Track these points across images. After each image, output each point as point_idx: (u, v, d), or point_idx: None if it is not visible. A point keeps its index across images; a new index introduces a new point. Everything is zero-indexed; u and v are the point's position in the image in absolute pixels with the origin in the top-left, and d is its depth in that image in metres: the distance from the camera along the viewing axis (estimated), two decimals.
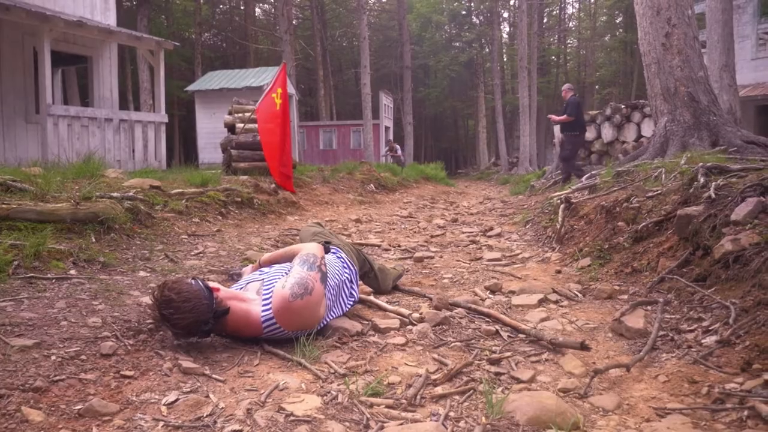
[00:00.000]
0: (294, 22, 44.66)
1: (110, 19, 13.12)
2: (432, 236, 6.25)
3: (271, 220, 6.40)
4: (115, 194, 4.33)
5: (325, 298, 2.47)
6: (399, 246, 5.40)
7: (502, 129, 30.53)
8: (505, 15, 44.05)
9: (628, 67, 37.32)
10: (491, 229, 6.50)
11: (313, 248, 2.58)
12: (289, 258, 2.67)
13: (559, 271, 4.04)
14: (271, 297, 2.30)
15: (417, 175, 17.97)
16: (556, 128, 13.53)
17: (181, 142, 33.64)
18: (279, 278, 2.41)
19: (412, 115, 32.80)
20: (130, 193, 4.66)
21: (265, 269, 2.65)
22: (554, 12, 45.55)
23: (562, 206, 5.30)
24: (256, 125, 9.35)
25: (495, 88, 31.22)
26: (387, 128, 28.86)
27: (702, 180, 3.71)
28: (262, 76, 18.93)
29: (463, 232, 6.53)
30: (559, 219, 5.10)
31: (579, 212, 5.06)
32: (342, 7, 42.18)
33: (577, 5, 47.18)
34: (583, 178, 7.34)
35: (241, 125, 10.16)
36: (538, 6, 33.44)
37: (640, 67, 28.51)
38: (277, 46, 24.76)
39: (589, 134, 14.81)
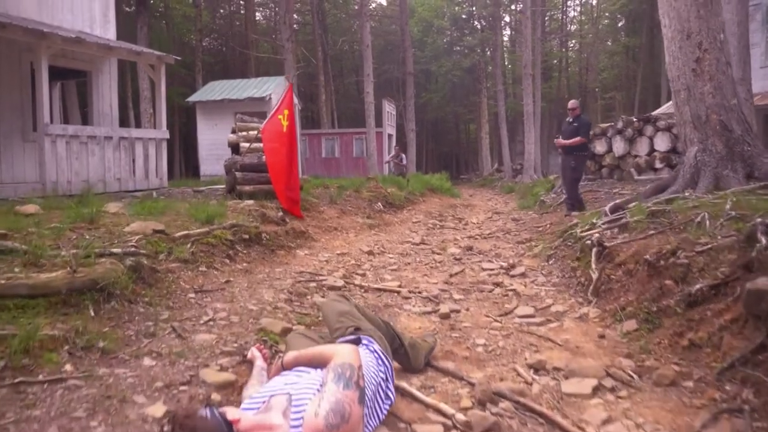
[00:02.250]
0: (295, 27, 44.36)
1: (110, 33, 12.76)
2: (451, 275, 5.88)
3: (280, 258, 6.03)
4: (116, 250, 3.96)
5: (363, 418, 2.11)
6: (419, 292, 5.03)
7: (505, 135, 30.18)
8: (507, 19, 43.77)
9: (631, 71, 37.00)
10: (513, 267, 6.13)
11: (348, 355, 2.21)
12: (318, 363, 2.30)
13: (602, 336, 3.67)
14: (301, 425, 1.94)
15: (422, 186, 17.61)
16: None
17: (182, 149, 33.29)
18: (310, 398, 2.04)
19: (414, 121, 32.45)
20: (132, 244, 4.30)
21: (291, 377, 2.28)
22: (556, 16, 45.25)
23: (594, 250, 4.93)
24: (261, 145, 9.01)
25: (498, 93, 30.87)
26: (390, 136, 28.51)
27: (765, 241, 3.35)
28: (264, 87, 18.56)
29: (484, 269, 6.16)
30: (593, 266, 4.73)
31: (614, 258, 4.69)
32: (343, 12, 41.86)
33: (578, 9, 46.90)
34: (607, 207, 6.98)
35: (246, 145, 9.81)
36: (541, 11, 33.11)
37: (644, 71, 28.16)
38: (278, 54, 24.37)
39: (600, 147, 14.46)
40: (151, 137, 12.06)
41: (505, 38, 44.52)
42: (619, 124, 13.96)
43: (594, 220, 6.64)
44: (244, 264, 5.32)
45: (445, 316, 4.24)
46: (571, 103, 10.07)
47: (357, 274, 5.78)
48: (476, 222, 12.59)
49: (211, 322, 3.50)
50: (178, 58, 12.92)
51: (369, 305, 4.53)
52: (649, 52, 35.29)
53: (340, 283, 5.10)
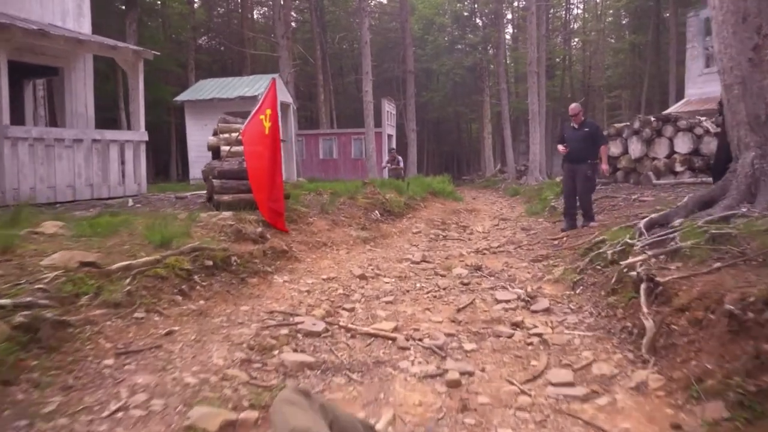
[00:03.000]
0: (293, 25, 43.26)
1: (85, 27, 11.69)
2: (459, 309, 4.79)
3: (251, 289, 4.94)
4: (5, 301, 2.89)
5: None
6: (419, 339, 3.94)
7: (509, 135, 29.08)
8: (510, 16, 42.63)
9: (638, 69, 35.86)
10: (533, 298, 5.04)
11: None
12: None
13: (677, 427, 2.59)
14: None
15: (423, 191, 16.52)
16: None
17: (179, 151, 32.22)
18: None
19: (415, 121, 31.35)
20: (42, 286, 3.22)
21: None
22: (559, 13, 44.11)
23: (643, 286, 3.84)
24: (243, 148, 7.94)
25: (501, 92, 29.75)
26: (390, 136, 27.42)
27: None
28: (257, 85, 17.47)
29: (498, 300, 5.07)
30: (645, 309, 3.64)
31: (673, 299, 3.60)
32: (342, 9, 40.76)
33: (582, 6, 45.75)
34: (641, 224, 5.88)
35: (227, 148, 8.73)
36: (545, 7, 31.97)
37: (651, 69, 26.97)
38: (275, 52, 23.30)
39: (615, 149, 13.37)
40: (127, 139, 10.99)
41: (508, 37, 43.41)
42: (636, 124, 12.87)
43: (628, 239, 5.55)
44: (201, 302, 4.24)
45: (455, 384, 3.15)
46: (573, 108, 8.72)
47: (344, 308, 4.69)
48: (482, 231, 11.51)
49: (119, 414, 2.42)
50: (157, 53, 11.85)
51: (355, 362, 3.45)
52: (655, 50, 34.14)
53: (321, 327, 4.01)
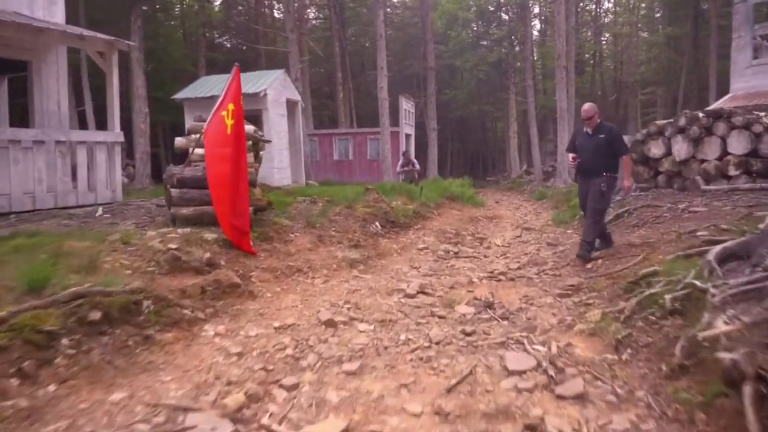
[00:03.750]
0: (313, 22, 42.04)
1: (57, 16, 10.45)
2: (449, 390, 3.25)
3: (154, 353, 3.48)
4: None
5: None
6: None
7: (535, 134, 27.25)
8: (536, 10, 40.63)
9: (674, 64, 33.55)
10: (561, 371, 3.46)
11: None
12: None
13: None
14: None
15: (439, 195, 14.95)
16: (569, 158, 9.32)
17: None
18: None
19: (436, 120, 29.72)
20: None
21: None
22: (588, 7, 41.89)
23: (747, 391, 2.26)
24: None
25: (527, 88, 27.91)
26: (408, 136, 25.85)
27: None
28: (260, 81, 16.12)
29: (509, 372, 3.50)
30: (753, 426, 2.07)
31: None
32: (362, 5, 39.30)
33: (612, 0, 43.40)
34: (712, 256, 4.26)
35: (200, 151, 7.34)
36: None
37: (690, 64, 24.75)
38: (284, 47, 21.97)
39: (656, 150, 11.61)
40: (99, 140, 9.70)
41: (535, 33, 41.39)
42: (681, 121, 11.08)
43: (694, 279, 3.93)
44: (51, 387, 2.80)
45: None
46: (587, 109, 6.84)
47: (282, 386, 3.20)
48: (501, 245, 9.92)
49: None
50: (132, 43, 10.54)
51: None
52: (693, 43, 31.86)
53: None
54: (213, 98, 15.78)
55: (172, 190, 6.67)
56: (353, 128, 28.95)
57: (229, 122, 5.93)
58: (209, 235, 5.98)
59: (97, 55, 9.82)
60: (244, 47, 37.09)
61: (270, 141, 9.70)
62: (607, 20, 42.75)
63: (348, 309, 4.87)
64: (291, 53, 19.70)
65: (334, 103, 36.45)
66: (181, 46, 27.74)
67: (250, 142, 8.04)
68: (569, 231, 10.79)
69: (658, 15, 38.85)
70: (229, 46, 38.87)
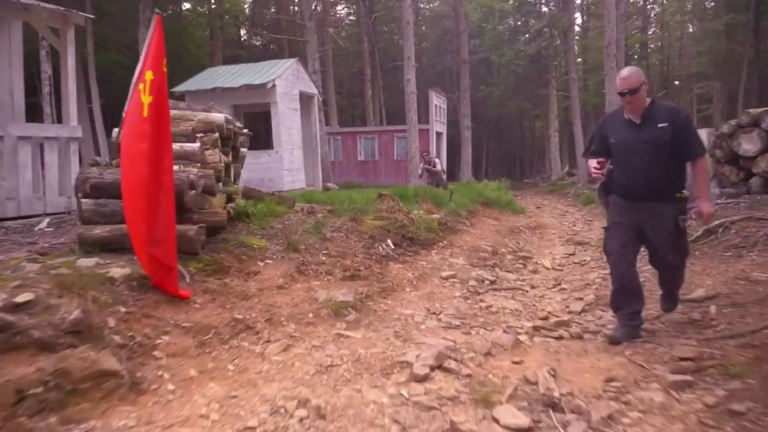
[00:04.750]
0: (339, 14, 40.11)
1: None
2: None
3: None
4: None
5: None
6: None
7: (579, 132, 24.54)
8: (578, 0, 37.67)
9: (734, 54, 30.22)
10: None
11: None
12: None
13: None
14: None
15: (472, 201, 12.67)
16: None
17: None
18: None
19: (470, 117, 27.32)
20: None
21: None
22: None
23: None
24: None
25: (570, 82, 25.21)
26: (439, 134, 23.53)
27: None
28: (268, 71, 14.14)
29: None
30: None
31: None
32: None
33: None
34: None
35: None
36: None
37: (750, 55, 21.43)
38: (302, 36, 19.96)
39: (748, 145, 9.06)
40: (49, 136, 7.78)
41: (576, 27, 38.40)
42: None
43: None
44: None
45: None
46: (628, 76, 3.75)
47: None
48: (551, 267, 7.63)
49: None
50: (90, 16, 8.61)
51: None
52: (754, 33, 28.55)
53: None
54: (216, 90, 13.89)
55: (83, 201, 4.61)
56: (375, 126, 26.76)
57: (146, 100, 3.81)
58: (119, 271, 3.91)
59: (49, 31, 7.91)
60: (260, 41, 35.35)
61: (250, 134, 7.60)
62: (654, 12, 39.46)
63: (302, 421, 2.68)
64: (309, 43, 17.69)
65: (362, 102, 34.42)
66: (199, 40, 26.07)
67: (216, 135, 5.97)
68: None
69: (711, 4, 35.49)
70: (255, 42, 37.28)
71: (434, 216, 9.16)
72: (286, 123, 14.15)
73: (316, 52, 17.67)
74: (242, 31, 33.84)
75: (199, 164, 5.51)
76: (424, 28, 39.69)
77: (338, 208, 7.64)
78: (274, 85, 13.53)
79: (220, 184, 6.00)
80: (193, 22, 30.07)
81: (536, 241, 10.29)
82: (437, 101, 23.03)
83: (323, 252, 5.74)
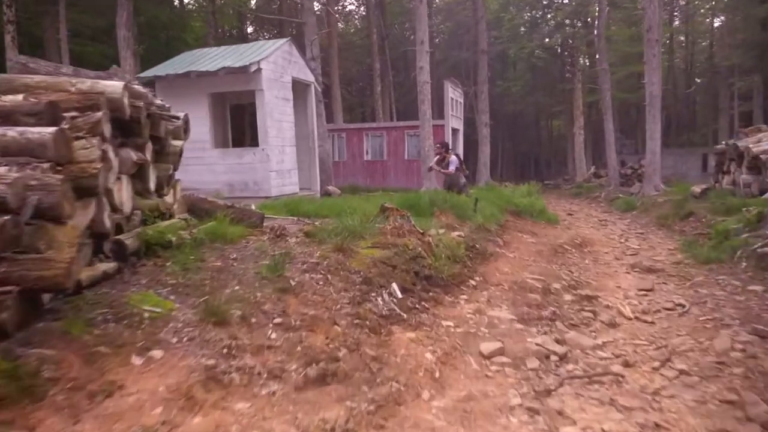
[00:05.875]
0: (351, 7, 37.63)
1: None
2: None
3: None
4: None
5: None
6: None
7: (611, 129, 21.81)
8: None
9: None
10: None
11: None
12: None
13: None
14: None
15: (500, 209, 10.11)
16: None
17: None
18: None
19: (488, 113, 24.67)
20: None
21: None
22: None
23: None
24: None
25: (601, 74, 22.45)
26: (455, 131, 20.90)
27: None
28: (252, 52, 11.65)
29: None
30: None
31: None
32: None
33: None
34: None
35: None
36: None
37: None
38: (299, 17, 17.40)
39: None
40: None
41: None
42: None
43: None
44: None
45: None
46: None
47: None
48: (633, 316, 5.06)
49: None
50: None
51: None
52: None
53: None
54: (190, 75, 11.40)
55: None
56: (384, 122, 24.16)
57: None
58: None
59: None
60: (267, 36, 32.80)
61: (181, 118, 5.09)
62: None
63: None
64: (307, 24, 15.19)
65: (372, 99, 31.90)
66: (199, 32, 23.68)
67: (99, 116, 3.49)
68: (741, 280, 5.86)
69: None
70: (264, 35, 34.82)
71: (457, 235, 6.59)
72: (275, 115, 11.64)
73: (315, 35, 15.14)
74: (249, 29, 31.38)
75: (56, 163, 3.04)
76: (439, 18, 37.01)
77: (320, 231, 5.10)
78: (259, 69, 11.02)
79: (108, 199, 3.51)
80: (192, 14, 27.84)
81: (591, 266, 7.69)
82: (453, 94, 20.41)
83: (275, 320, 3.21)
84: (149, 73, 11.88)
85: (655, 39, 17.41)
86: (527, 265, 6.87)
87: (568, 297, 5.73)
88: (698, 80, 36.07)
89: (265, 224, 5.80)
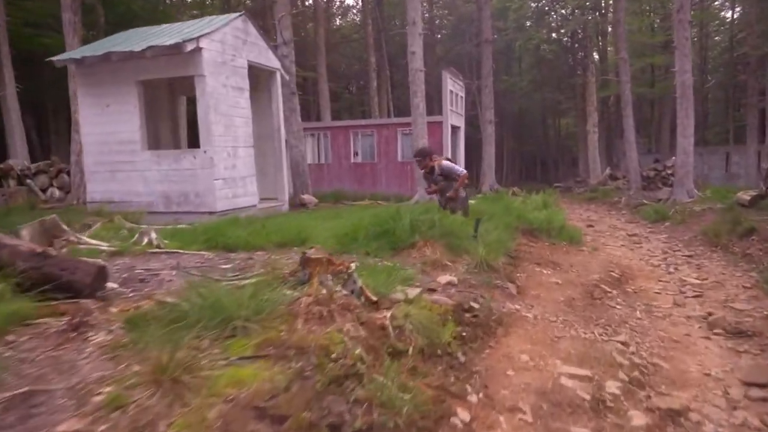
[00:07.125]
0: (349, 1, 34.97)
1: None
2: None
3: None
4: None
5: None
6: None
7: (631, 125, 19.04)
8: None
9: None
10: None
11: None
12: None
13: None
14: None
15: (509, 228, 7.46)
16: None
17: None
18: None
19: (493, 110, 21.97)
20: None
21: None
22: None
23: None
24: None
25: (620, 64, 19.65)
26: (455, 128, 18.19)
27: None
28: (187, 31, 9.06)
29: None
30: None
31: None
32: None
33: None
34: None
35: None
36: None
37: None
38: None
39: None
40: None
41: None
42: None
43: None
44: None
45: None
46: None
47: None
48: None
49: None
50: None
51: None
52: None
53: None
54: (110, 57, 8.81)
55: None
56: (374, 119, 21.46)
57: None
58: None
59: None
60: None
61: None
62: None
63: None
64: (277, 2, 12.56)
65: (367, 96, 29.32)
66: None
67: None
68: None
69: None
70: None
71: (444, 292, 3.97)
72: (222, 108, 9.04)
73: (287, 13, 12.48)
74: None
75: None
76: (438, 11, 34.36)
77: (154, 317, 2.49)
78: (198, 48, 8.43)
79: None
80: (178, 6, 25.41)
81: (647, 324, 5.02)
82: (453, 86, 17.68)
83: None
84: (65, 56, 9.30)
85: (687, 20, 14.70)
86: (556, 337, 4.21)
87: (637, 419, 3.09)
88: (709, 77, 33.32)
89: (108, 286, 3.21)
